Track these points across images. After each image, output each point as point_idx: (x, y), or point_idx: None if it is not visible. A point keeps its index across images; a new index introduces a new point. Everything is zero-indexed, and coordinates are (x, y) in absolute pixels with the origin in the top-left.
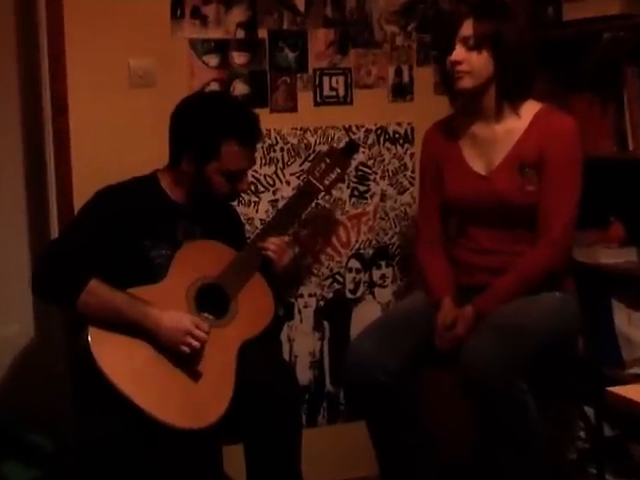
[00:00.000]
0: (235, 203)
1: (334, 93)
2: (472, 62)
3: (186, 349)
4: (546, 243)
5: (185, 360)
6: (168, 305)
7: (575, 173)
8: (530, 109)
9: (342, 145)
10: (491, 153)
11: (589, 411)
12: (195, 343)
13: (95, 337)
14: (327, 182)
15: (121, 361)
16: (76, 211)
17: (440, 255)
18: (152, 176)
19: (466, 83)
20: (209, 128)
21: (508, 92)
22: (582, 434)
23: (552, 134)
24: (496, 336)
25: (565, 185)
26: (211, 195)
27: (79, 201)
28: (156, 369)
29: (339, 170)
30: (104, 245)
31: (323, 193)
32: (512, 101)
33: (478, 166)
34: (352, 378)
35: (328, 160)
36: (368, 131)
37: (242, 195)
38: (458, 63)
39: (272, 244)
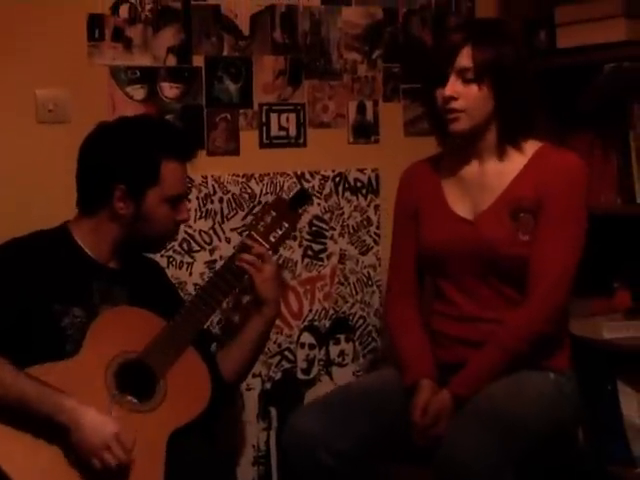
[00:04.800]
0: (164, 264)
1: (284, 133)
2: (470, 98)
3: (97, 464)
4: (527, 303)
5: None
6: (83, 386)
7: (578, 217)
8: (530, 148)
9: (291, 195)
10: (479, 194)
11: None
12: (110, 460)
13: None
14: (273, 239)
15: (28, 460)
16: None
17: (417, 318)
18: (62, 228)
19: (462, 125)
20: (143, 148)
21: (512, 131)
22: None
23: (553, 171)
24: (479, 426)
25: (564, 230)
26: (156, 234)
27: None
28: (66, 468)
29: (287, 225)
30: (3, 312)
31: (269, 252)
32: (515, 141)
33: (463, 209)
34: (290, 461)
35: (274, 213)
36: (324, 178)
37: (173, 255)
38: (453, 99)
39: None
